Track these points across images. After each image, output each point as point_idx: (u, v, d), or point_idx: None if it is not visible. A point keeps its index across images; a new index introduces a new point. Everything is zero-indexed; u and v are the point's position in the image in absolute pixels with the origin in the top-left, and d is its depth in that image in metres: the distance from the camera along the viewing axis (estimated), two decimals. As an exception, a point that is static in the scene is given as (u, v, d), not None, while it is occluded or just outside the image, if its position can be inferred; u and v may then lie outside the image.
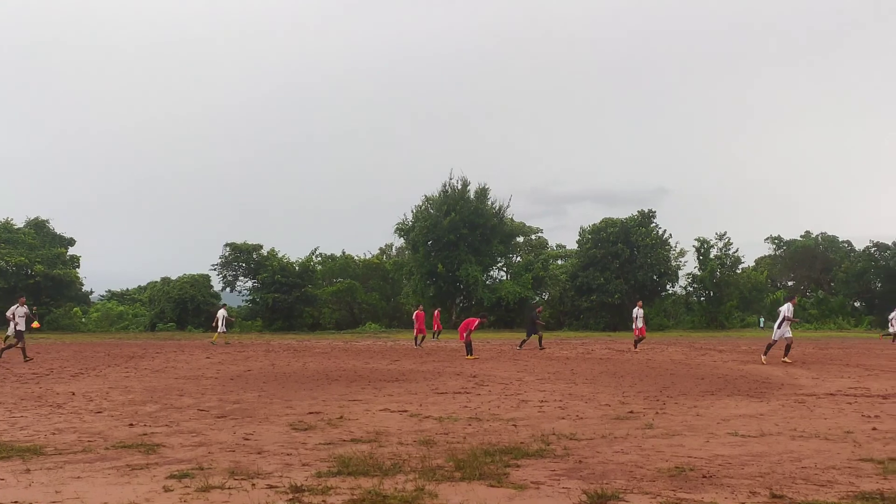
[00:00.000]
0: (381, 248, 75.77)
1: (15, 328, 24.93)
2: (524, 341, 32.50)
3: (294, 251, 79.43)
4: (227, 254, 63.73)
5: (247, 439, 10.08)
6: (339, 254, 71.63)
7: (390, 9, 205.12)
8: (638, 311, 32.43)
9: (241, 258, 63.80)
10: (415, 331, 34.97)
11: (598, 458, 8.75)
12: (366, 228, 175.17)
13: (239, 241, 63.97)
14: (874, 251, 71.13)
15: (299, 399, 14.63)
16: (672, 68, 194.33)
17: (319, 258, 69.39)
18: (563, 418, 12.09)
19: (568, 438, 10.07)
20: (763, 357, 23.98)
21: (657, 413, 12.65)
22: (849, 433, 10.55)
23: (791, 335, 24.48)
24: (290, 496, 7.00)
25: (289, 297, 60.86)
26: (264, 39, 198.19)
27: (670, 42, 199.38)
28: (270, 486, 7.35)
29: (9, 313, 25.25)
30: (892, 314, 41.84)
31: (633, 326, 32.49)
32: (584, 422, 11.70)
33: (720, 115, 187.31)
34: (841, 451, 9.20)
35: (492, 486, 7.40)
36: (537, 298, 65.13)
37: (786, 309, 24.58)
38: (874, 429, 10.97)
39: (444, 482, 7.51)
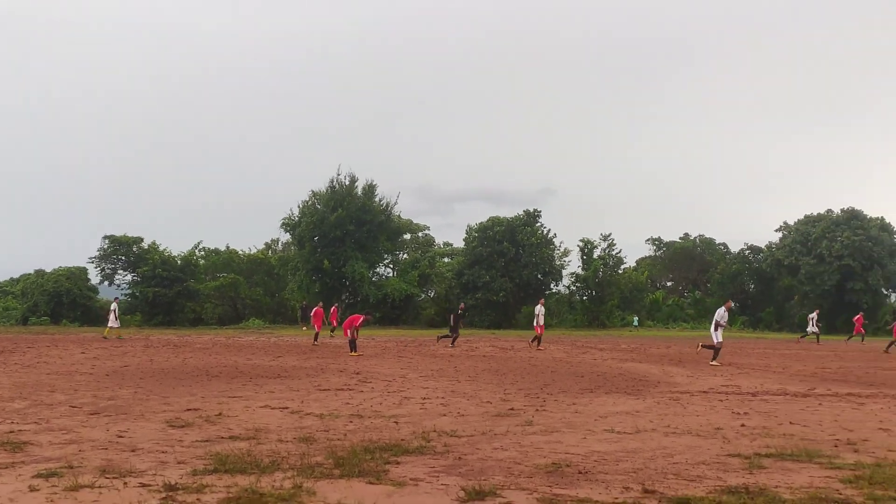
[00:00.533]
0: (266, 244, 74.89)
1: None
2: (454, 337, 32.90)
3: (176, 245, 77.55)
4: (105, 246, 61.78)
5: (120, 437, 9.80)
6: (223, 248, 70.42)
7: (261, 8, 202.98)
8: (539, 309, 32.85)
9: (121, 251, 61.96)
10: (316, 328, 34.71)
11: (477, 455, 8.84)
12: (251, 223, 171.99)
13: (118, 233, 62.17)
14: (748, 254, 74.10)
15: (177, 396, 14.31)
16: (560, 70, 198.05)
17: (202, 252, 67.94)
18: (445, 415, 12.17)
19: (449, 435, 10.14)
20: (714, 361, 23.96)
21: (537, 410, 12.86)
22: (719, 430, 10.95)
23: (721, 340, 24.71)
24: (164, 495, 6.84)
25: (170, 292, 59.37)
26: (141, 31, 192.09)
27: (559, 44, 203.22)
28: (143, 485, 7.16)
29: None
30: (812, 315, 43.18)
31: (535, 324, 32.84)
32: (466, 419, 11.80)
33: (606, 118, 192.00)
34: (711, 447, 9.54)
35: (370, 482, 7.39)
36: (423, 296, 65.34)
37: (717, 314, 24.92)
38: (743, 425, 11.41)
39: (322, 479, 7.47)
